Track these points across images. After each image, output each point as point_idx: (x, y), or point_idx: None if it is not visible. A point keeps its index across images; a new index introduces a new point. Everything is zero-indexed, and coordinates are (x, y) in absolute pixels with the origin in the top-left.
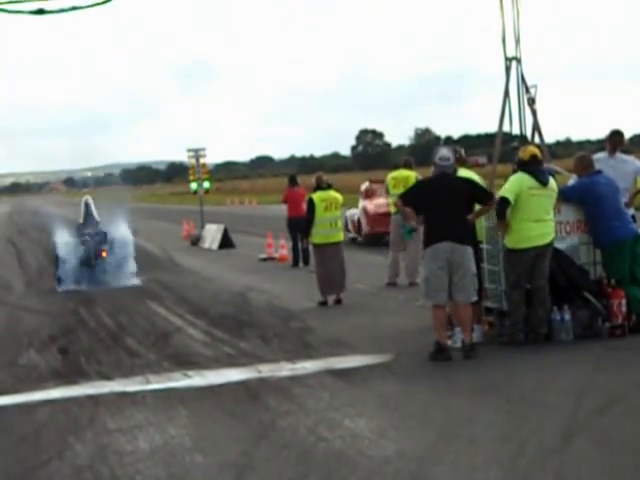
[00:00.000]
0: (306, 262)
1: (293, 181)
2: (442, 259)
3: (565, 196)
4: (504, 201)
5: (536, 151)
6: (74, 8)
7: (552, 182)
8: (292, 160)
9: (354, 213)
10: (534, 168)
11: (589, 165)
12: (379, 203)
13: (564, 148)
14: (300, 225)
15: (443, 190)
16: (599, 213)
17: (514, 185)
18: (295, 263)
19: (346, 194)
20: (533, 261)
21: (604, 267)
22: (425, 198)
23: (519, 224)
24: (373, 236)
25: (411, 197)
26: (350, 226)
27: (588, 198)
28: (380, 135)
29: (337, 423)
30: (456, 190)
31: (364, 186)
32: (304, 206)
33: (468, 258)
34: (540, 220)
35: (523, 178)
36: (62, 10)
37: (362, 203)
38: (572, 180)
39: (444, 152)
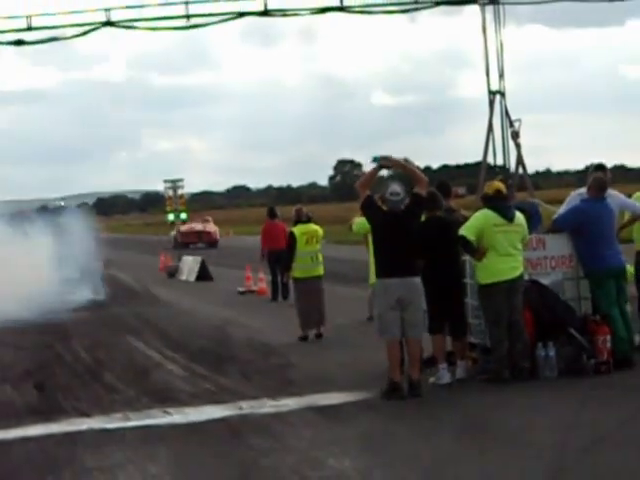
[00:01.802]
0: (285, 296)
1: (272, 214)
2: (393, 296)
3: (560, 223)
4: (462, 239)
5: (501, 186)
6: (53, 39)
7: (519, 217)
8: (269, 190)
9: None
10: (499, 204)
11: (602, 188)
12: None
13: (544, 179)
14: (280, 258)
15: (394, 223)
16: (592, 238)
17: (476, 222)
18: (274, 297)
19: (324, 225)
20: (506, 295)
21: (592, 297)
22: (378, 229)
23: (487, 259)
24: None
25: (371, 227)
26: None
27: (584, 222)
28: (358, 165)
29: (321, 462)
30: (406, 223)
31: None
32: (283, 240)
33: (418, 294)
34: (508, 255)
35: (487, 215)
36: (41, 41)
37: None
38: (562, 208)
39: (395, 187)
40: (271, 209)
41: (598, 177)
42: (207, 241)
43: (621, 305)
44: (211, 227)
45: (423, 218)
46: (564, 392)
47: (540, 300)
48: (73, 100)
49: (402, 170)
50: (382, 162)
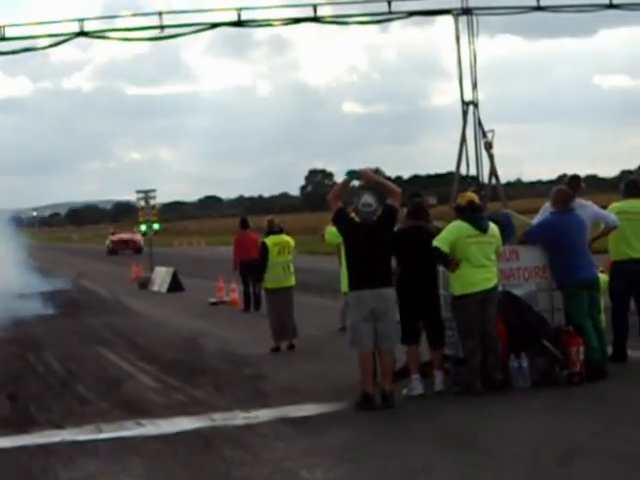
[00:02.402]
0: (257, 307)
1: (244, 225)
2: (366, 308)
3: (531, 236)
4: (436, 251)
5: (474, 197)
6: (27, 50)
7: (492, 228)
8: (241, 200)
9: None
10: (472, 215)
11: (566, 200)
12: None
13: (515, 189)
14: (251, 269)
15: (366, 234)
16: (564, 250)
17: (449, 234)
18: (246, 308)
19: (295, 235)
20: (479, 307)
21: (565, 309)
22: (350, 241)
23: (461, 271)
24: None
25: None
26: None
27: (555, 235)
28: (330, 175)
29: (293, 474)
30: (379, 235)
31: None
32: (255, 250)
33: (391, 305)
34: (481, 266)
35: (460, 226)
36: (14, 52)
37: None
38: (536, 219)
39: (367, 198)
40: (243, 220)
41: (561, 189)
42: (133, 248)
43: (594, 316)
44: (137, 237)
45: (406, 227)
46: (537, 403)
47: (513, 311)
48: (44, 110)
49: (376, 184)
50: (358, 178)
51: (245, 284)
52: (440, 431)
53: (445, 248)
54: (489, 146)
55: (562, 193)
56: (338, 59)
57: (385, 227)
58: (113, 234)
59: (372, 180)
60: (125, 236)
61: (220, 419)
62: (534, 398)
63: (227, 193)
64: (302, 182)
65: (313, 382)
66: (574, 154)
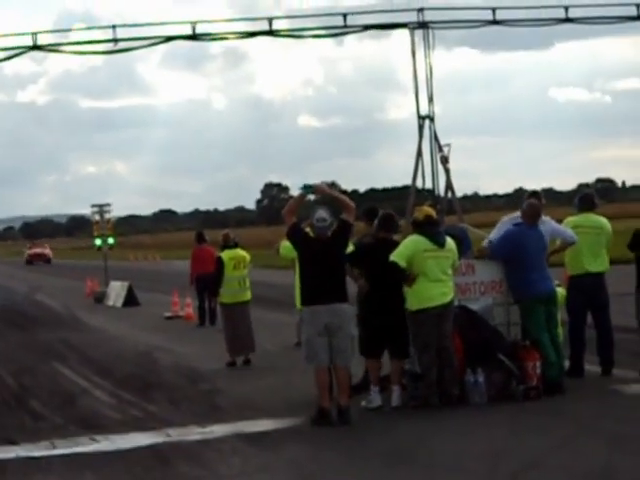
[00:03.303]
0: (212, 321)
1: (201, 239)
2: (320, 323)
3: (493, 249)
4: (394, 266)
5: (431, 212)
6: None
7: (449, 242)
8: (196, 214)
9: None
10: (429, 229)
11: (536, 215)
12: None
13: (472, 202)
14: (208, 283)
15: (321, 249)
16: (522, 265)
17: (406, 249)
18: (201, 322)
19: (251, 249)
20: (436, 321)
21: (522, 323)
22: (305, 256)
23: (418, 285)
24: None
25: (297, 254)
26: None
27: (515, 248)
28: (285, 189)
29: None
30: (333, 249)
31: None
32: (212, 264)
33: (346, 320)
34: (438, 280)
35: (418, 241)
36: None
37: None
38: (493, 233)
39: (321, 213)
40: (199, 234)
41: (533, 204)
42: (44, 259)
43: (551, 330)
44: (47, 251)
45: (373, 240)
46: (494, 418)
47: (469, 326)
48: None
49: (330, 199)
50: (312, 192)
51: (201, 299)
52: (396, 446)
53: (402, 263)
54: (445, 160)
55: (533, 208)
56: (294, 72)
57: (339, 242)
58: (30, 248)
59: (326, 194)
60: (38, 250)
61: (175, 434)
62: (490, 413)
63: (182, 207)
64: (258, 196)
65: (269, 397)
66: (531, 167)
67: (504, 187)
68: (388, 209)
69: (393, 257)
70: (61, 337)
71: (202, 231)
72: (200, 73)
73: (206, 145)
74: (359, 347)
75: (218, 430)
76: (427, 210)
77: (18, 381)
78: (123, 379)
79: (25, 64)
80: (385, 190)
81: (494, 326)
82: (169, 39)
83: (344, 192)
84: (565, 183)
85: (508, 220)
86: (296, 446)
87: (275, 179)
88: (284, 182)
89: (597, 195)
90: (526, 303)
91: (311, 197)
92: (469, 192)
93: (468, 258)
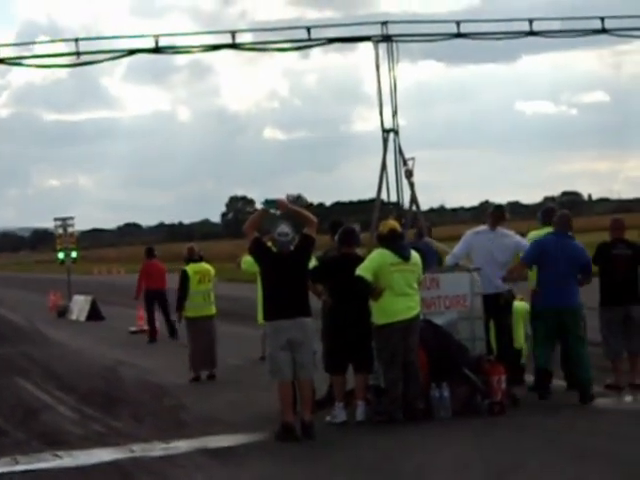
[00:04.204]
0: (172, 334)
1: (150, 253)
2: (283, 337)
3: (523, 257)
4: (360, 280)
5: (395, 225)
6: None
7: (414, 256)
8: (161, 227)
9: None
10: (394, 243)
11: (565, 225)
12: None
13: (438, 215)
14: (157, 298)
15: (283, 264)
16: (542, 273)
17: (372, 263)
18: (152, 338)
19: (217, 263)
20: (401, 336)
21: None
22: (267, 271)
23: (383, 299)
24: None
25: (259, 268)
26: None
27: (539, 257)
28: (251, 202)
29: None
30: (296, 264)
31: None
32: (161, 279)
33: (309, 334)
34: (404, 294)
35: (383, 254)
36: None
37: None
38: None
39: (283, 228)
40: (149, 249)
41: (564, 214)
42: None
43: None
44: None
45: (336, 254)
46: (458, 432)
47: (434, 340)
48: None
49: (292, 213)
50: (275, 207)
51: (150, 314)
52: (361, 461)
53: (368, 276)
54: (409, 174)
55: (563, 217)
56: (259, 85)
57: (302, 256)
58: None
59: (289, 209)
60: None
61: (139, 450)
62: (455, 428)
63: (147, 220)
64: (223, 209)
65: (233, 412)
66: (497, 180)
67: (470, 200)
68: (354, 222)
69: (359, 271)
70: (23, 351)
71: (152, 247)
72: (165, 86)
73: (171, 158)
74: (323, 362)
75: (182, 446)
76: (391, 224)
77: None
78: (87, 394)
79: None
80: (352, 203)
81: (459, 340)
82: (132, 52)
83: (310, 205)
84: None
85: (472, 233)
86: (260, 461)
87: (240, 192)
88: (249, 195)
89: (562, 208)
90: (535, 310)
91: (274, 212)
92: (435, 205)
93: (432, 272)
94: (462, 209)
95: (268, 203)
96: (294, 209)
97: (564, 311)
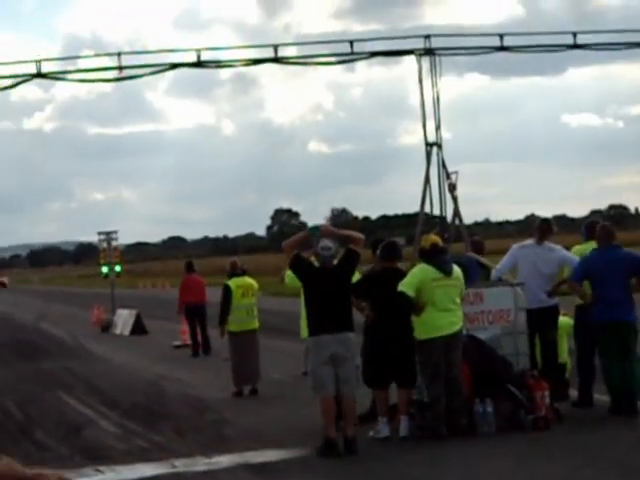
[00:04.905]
0: (207, 351)
1: (190, 268)
2: (326, 353)
3: (571, 276)
4: (402, 296)
5: (437, 240)
6: None
7: (456, 271)
8: (205, 241)
9: None
10: (436, 258)
11: (606, 237)
12: None
13: (483, 229)
14: (197, 312)
15: (326, 278)
16: (594, 288)
17: (414, 278)
18: (195, 352)
19: (262, 276)
20: (444, 351)
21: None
22: (309, 286)
23: (426, 314)
24: None
25: (302, 284)
26: None
27: (587, 273)
28: (296, 215)
29: None
30: (339, 279)
31: None
32: (201, 293)
33: (352, 350)
34: (447, 310)
35: (425, 269)
36: None
37: None
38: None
39: (326, 242)
40: (188, 263)
41: (604, 225)
42: (2, 286)
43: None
44: (4, 279)
45: (378, 269)
46: (502, 448)
47: (478, 355)
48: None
49: (338, 238)
50: (319, 233)
51: (192, 328)
52: (404, 477)
53: (410, 292)
54: (453, 188)
55: (604, 229)
56: (303, 98)
57: (345, 270)
58: None
59: (334, 234)
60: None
61: (181, 465)
62: (499, 443)
63: (192, 234)
64: (268, 222)
65: (276, 427)
66: (543, 193)
67: (515, 214)
68: (399, 236)
69: (401, 287)
70: (67, 366)
71: (191, 261)
72: (209, 99)
73: (215, 171)
74: (366, 377)
75: (224, 461)
76: (433, 238)
77: (23, 411)
78: (129, 409)
79: (31, 90)
80: (397, 217)
81: (502, 356)
82: (174, 66)
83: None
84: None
85: (518, 247)
86: (302, 477)
87: (285, 205)
88: (294, 208)
89: (608, 221)
90: (593, 326)
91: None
92: (480, 219)
93: (476, 287)
94: (507, 222)
95: (313, 229)
96: (339, 233)
97: (617, 325)
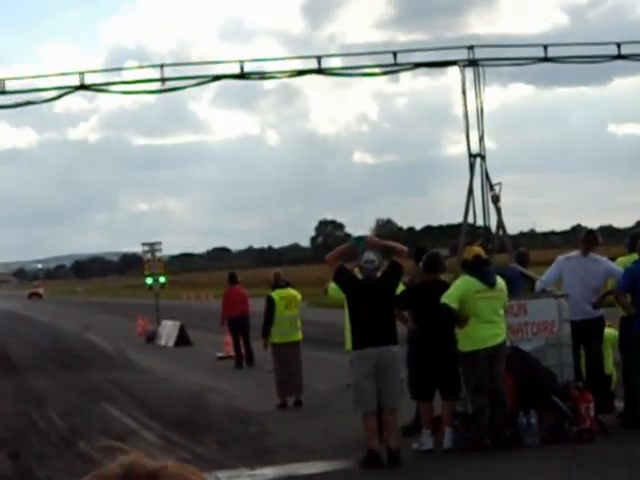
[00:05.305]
0: (250, 362)
1: (233, 279)
2: (369, 365)
3: (621, 291)
4: (445, 308)
5: (480, 251)
6: (28, 103)
7: (500, 282)
8: (250, 252)
9: None
10: (479, 270)
11: None
12: None
13: (528, 239)
14: (240, 323)
15: (369, 291)
16: (636, 301)
17: (458, 290)
18: (238, 363)
19: (306, 288)
20: (488, 363)
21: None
22: (353, 298)
23: (470, 327)
24: None
25: (345, 296)
26: None
27: (631, 285)
28: (340, 226)
29: None
30: (382, 291)
31: None
32: (244, 304)
33: (395, 362)
34: (490, 321)
35: (468, 281)
36: (16, 105)
37: None
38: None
39: (369, 255)
40: (231, 275)
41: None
42: (38, 296)
43: None
44: (40, 290)
45: (421, 281)
46: (547, 460)
47: (522, 367)
48: (50, 161)
49: (382, 249)
50: (364, 244)
51: (235, 339)
52: None
53: (454, 304)
54: (496, 199)
55: None
56: (348, 108)
57: (389, 283)
58: (35, 286)
59: (378, 245)
60: (34, 290)
61: (225, 477)
62: (543, 455)
63: (236, 244)
64: (312, 233)
65: (319, 439)
66: (588, 204)
67: (561, 224)
68: (443, 247)
69: (444, 299)
70: (111, 377)
71: (234, 272)
72: (253, 109)
73: (260, 182)
74: (410, 389)
75: (268, 473)
76: (476, 250)
77: (68, 422)
78: (173, 420)
79: (76, 101)
80: (441, 227)
81: (547, 367)
82: (217, 78)
83: (400, 229)
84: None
85: (563, 259)
86: None
87: (330, 216)
88: (339, 219)
89: None
90: (635, 337)
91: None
92: (525, 229)
93: (520, 299)
94: (553, 233)
95: (357, 239)
96: (383, 244)
97: None
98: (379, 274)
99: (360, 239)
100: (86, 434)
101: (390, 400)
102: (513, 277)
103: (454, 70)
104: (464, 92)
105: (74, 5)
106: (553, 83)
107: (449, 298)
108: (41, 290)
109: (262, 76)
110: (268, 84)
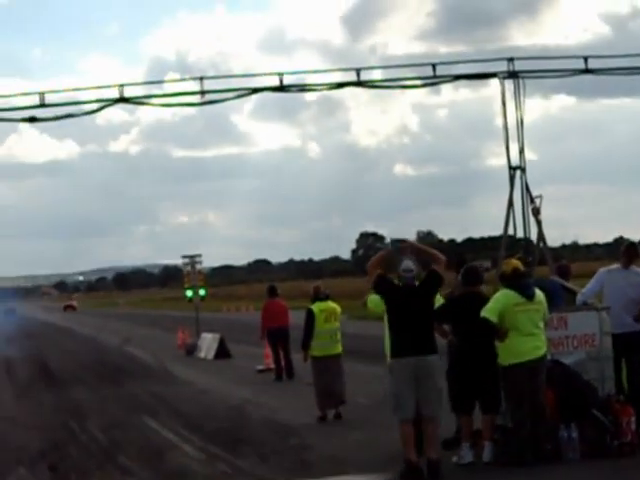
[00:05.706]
0: (290, 375)
1: (273, 292)
2: (407, 373)
3: None
4: (485, 322)
5: (518, 264)
6: (68, 116)
7: (538, 294)
8: (290, 264)
9: None
10: (518, 282)
11: None
12: None
13: (571, 251)
14: (279, 336)
15: (408, 298)
16: None
17: (497, 304)
18: (278, 376)
19: (346, 300)
20: (528, 376)
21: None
22: (392, 305)
23: (510, 340)
24: None
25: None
26: None
27: None
28: (381, 238)
29: None
30: (421, 299)
31: None
32: (284, 317)
33: (434, 370)
34: (530, 334)
35: (507, 295)
36: (56, 117)
37: None
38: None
39: (407, 263)
40: (271, 287)
41: None
42: (73, 308)
43: None
44: (74, 303)
45: (460, 293)
46: (587, 474)
47: (562, 380)
48: (91, 173)
49: (420, 252)
50: (401, 246)
51: (275, 352)
52: None
53: (493, 318)
54: (537, 212)
55: None
56: (389, 120)
57: (427, 292)
58: (70, 299)
59: (415, 248)
60: (69, 302)
61: None
62: (585, 469)
63: (277, 257)
64: (353, 245)
65: (359, 452)
66: (631, 216)
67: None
68: (484, 260)
69: (484, 313)
70: (151, 390)
71: (274, 285)
72: (294, 122)
73: (300, 194)
74: (449, 402)
75: None
76: (514, 263)
77: (108, 435)
78: (212, 433)
79: (117, 113)
80: (482, 240)
81: (588, 380)
82: (256, 91)
83: (440, 242)
84: None
85: (604, 271)
86: None
87: (371, 228)
88: (380, 231)
89: None
90: None
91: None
92: (568, 241)
93: (560, 312)
94: (596, 245)
95: (394, 242)
96: (421, 247)
97: None
98: (417, 283)
99: (398, 241)
100: (125, 447)
101: (428, 409)
102: (553, 290)
103: (495, 82)
104: (504, 104)
105: (115, 18)
106: (595, 94)
107: (488, 312)
108: (75, 303)
109: (301, 88)
110: (309, 96)
